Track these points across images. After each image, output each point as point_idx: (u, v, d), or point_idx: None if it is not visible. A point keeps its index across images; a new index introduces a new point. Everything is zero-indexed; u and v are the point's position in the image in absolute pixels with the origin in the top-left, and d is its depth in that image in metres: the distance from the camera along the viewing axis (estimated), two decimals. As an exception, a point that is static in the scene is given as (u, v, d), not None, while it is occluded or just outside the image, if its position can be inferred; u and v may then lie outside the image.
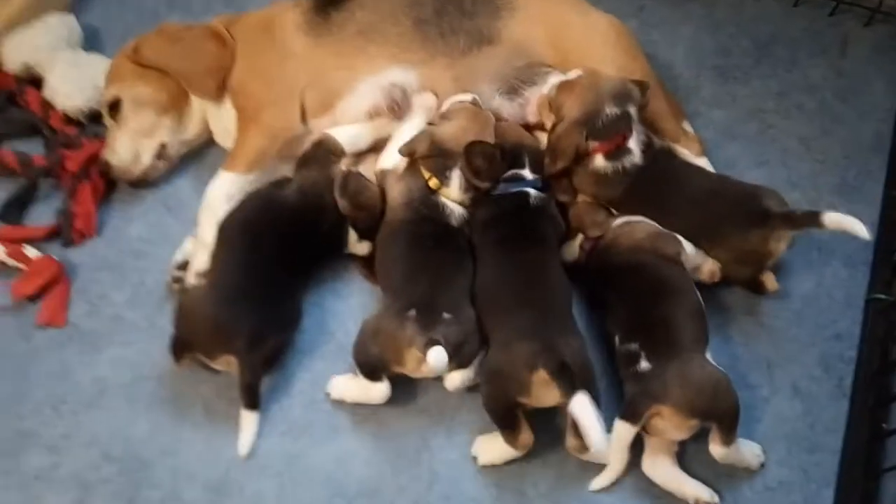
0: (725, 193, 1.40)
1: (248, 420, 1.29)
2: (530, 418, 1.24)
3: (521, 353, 1.19)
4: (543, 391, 1.19)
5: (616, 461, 1.23)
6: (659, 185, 1.41)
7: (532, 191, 1.41)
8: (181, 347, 1.30)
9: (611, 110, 1.39)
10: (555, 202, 1.45)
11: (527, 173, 1.43)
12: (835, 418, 1.35)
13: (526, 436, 1.23)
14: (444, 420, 1.35)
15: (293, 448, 1.32)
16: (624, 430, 1.20)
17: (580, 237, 1.44)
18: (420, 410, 1.35)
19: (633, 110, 1.41)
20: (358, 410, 1.35)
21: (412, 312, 1.24)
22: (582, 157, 1.40)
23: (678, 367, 1.19)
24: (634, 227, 1.38)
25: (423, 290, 1.27)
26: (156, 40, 1.55)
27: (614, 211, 1.44)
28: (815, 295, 1.48)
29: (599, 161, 1.40)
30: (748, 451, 1.27)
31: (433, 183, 1.39)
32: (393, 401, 1.32)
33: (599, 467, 1.26)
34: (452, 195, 1.40)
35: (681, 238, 1.36)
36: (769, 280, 1.39)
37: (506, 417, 1.22)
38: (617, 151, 1.39)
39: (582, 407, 1.14)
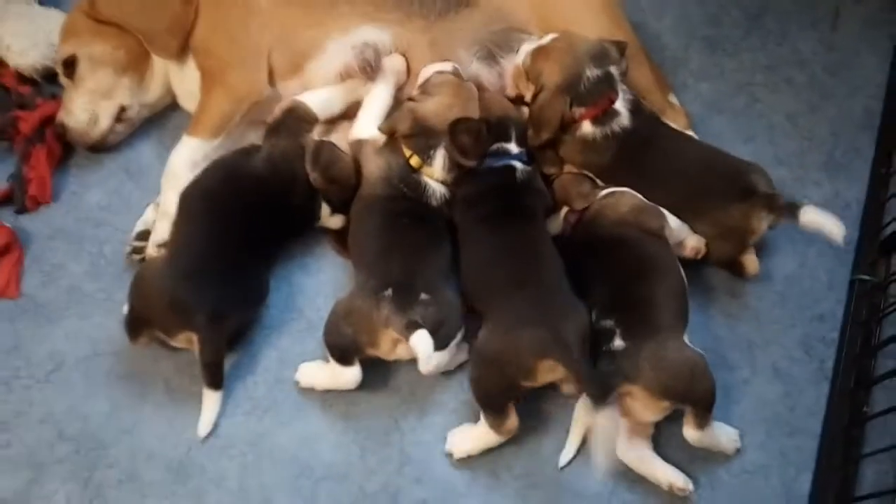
0: (712, 166, 1.35)
1: (211, 399, 1.24)
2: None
3: (527, 340, 1.15)
4: (548, 375, 1.16)
5: (574, 434, 1.23)
6: (646, 153, 1.36)
7: (518, 164, 1.36)
8: (137, 324, 1.23)
9: (592, 73, 1.33)
10: (540, 174, 1.40)
11: (512, 147, 1.37)
12: (815, 401, 1.33)
13: (511, 421, 1.19)
14: (416, 400, 1.30)
15: (258, 427, 1.27)
16: (587, 408, 1.17)
17: (565, 210, 1.38)
18: (391, 390, 1.31)
19: (614, 70, 1.36)
20: (327, 391, 1.30)
21: (388, 292, 1.19)
22: (568, 125, 1.34)
23: (653, 347, 1.16)
24: (619, 199, 1.33)
25: (399, 269, 1.22)
26: (114, -8, 1.45)
27: (599, 182, 1.39)
28: (798, 275, 1.44)
29: (587, 127, 1.35)
30: (724, 435, 1.24)
31: (415, 161, 1.33)
32: (363, 380, 1.26)
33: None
34: (436, 174, 1.33)
35: (665, 212, 1.31)
36: (750, 263, 1.35)
37: (498, 402, 1.19)
38: (604, 115, 1.34)
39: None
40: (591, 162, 1.38)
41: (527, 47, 1.38)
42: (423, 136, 1.32)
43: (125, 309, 1.25)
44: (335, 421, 1.29)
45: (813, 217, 1.25)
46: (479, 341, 1.22)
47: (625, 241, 1.27)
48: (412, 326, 1.15)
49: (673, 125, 1.46)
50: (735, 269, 1.36)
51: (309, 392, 1.30)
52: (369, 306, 1.19)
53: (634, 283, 1.23)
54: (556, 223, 1.39)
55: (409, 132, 1.33)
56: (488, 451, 1.24)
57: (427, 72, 1.42)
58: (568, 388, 1.20)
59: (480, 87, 1.44)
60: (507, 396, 1.18)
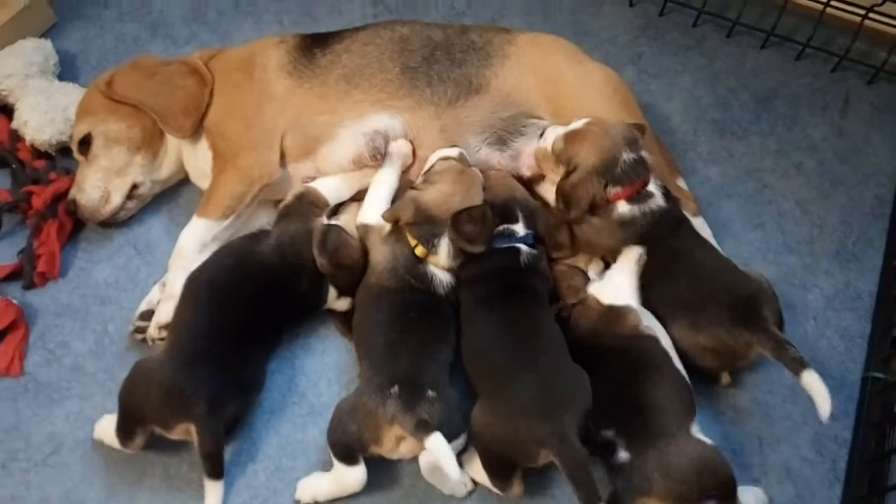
0: (727, 281, 1.31)
1: (213, 490, 1.21)
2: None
3: (529, 430, 1.14)
4: (549, 459, 1.14)
5: None
6: (670, 242, 1.35)
7: (524, 247, 1.35)
8: (130, 424, 1.20)
9: (628, 156, 1.33)
10: (546, 258, 1.39)
11: (519, 228, 1.36)
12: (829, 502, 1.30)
13: (516, 488, 1.20)
14: (416, 494, 1.28)
15: (258, 516, 1.25)
16: None
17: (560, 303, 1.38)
18: (392, 482, 1.28)
19: (646, 155, 1.36)
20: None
21: (394, 389, 1.18)
22: (599, 205, 1.34)
23: (657, 456, 1.14)
24: (589, 304, 1.31)
25: (406, 365, 1.21)
26: (130, 74, 1.47)
27: (592, 274, 1.38)
28: None
29: (623, 207, 1.34)
30: (751, 496, 1.22)
31: (420, 251, 1.32)
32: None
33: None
34: (441, 263, 1.33)
35: (634, 305, 1.29)
36: (725, 376, 1.34)
37: (500, 474, 1.19)
38: (639, 196, 1.34)
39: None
40: (624, 240, 1.36)
41: (555, 131, 1.38)
42: (426, 225, 1.32)
43: (104, 429, 1.24)
44: (336, 513, 1.26)
45: (811, 383, 1.19)
46: (478, 421, 1.20)
47: (608, 348, 1.26)
48: (423, 427, 1.14)
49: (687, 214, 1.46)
50: (710, 376, 1.34)
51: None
52: (375, 403, 1.18)
53: (628, 388, 1.21)
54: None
55: (413, 220, 1.33)
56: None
57: (432, 158, 1.43)
58: None
59: (485, 169, 1.45)
60: (508, 472, 1.18)
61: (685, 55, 1.83)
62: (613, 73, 1.56)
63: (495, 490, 1.22)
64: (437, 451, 1.12)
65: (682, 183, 1.58)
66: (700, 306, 1.28)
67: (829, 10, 1.77)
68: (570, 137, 1.35)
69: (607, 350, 1.26)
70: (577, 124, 1.36)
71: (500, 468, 1.19)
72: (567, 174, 1.35)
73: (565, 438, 1.12)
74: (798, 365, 1.19)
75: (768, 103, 1.76)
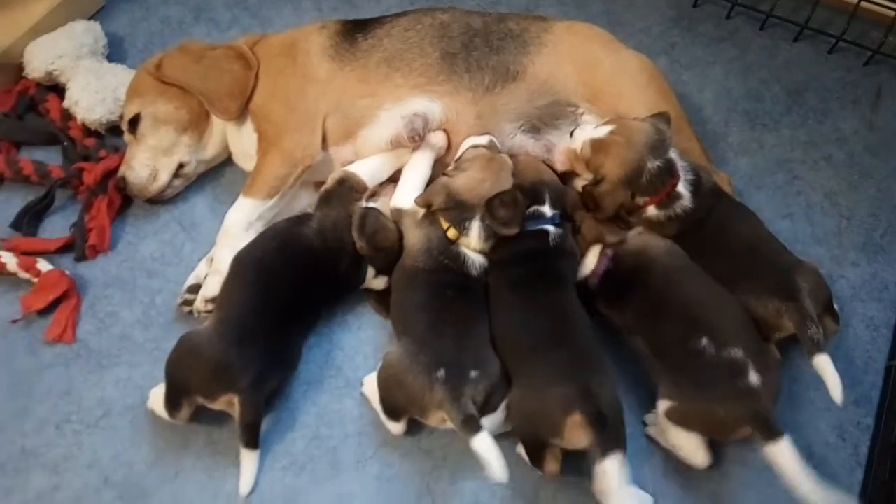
0: (762, 252, 1.36)
1: (249, 459, 1.27)
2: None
3: (556, 397, 1.18)
4: (575, 434, 1.18)
5: None
6: (703, 227, 1.38)
7: (552, 227, 1.39)
8: (176, 395, 1.26)
9: (653, 164, 1.35)
10: (571, 234, 1.43)
11: (546, 209, 1.40)
12: (849, 488, 1.33)
13: (551, 467, 1.23)
14: (447, 465, 1.33)
15: (294, 483, 1.31)
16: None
17: (597, 248, 1.41)
18: (424, 454, 1.33)
19: (673, 154, 1.38)
20: (361, 449, 1.34)
21: (441, 373, 1.22)
22: (629, 210, 1.38)
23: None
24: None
25: (449, 345, 1.26)
26: (179, 57, 1.53)
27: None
28: (833, 357, 1.40)
29: (652, 211, 1.38)
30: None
31: (452, 233, 1.37)
32: (397, 439, 1.30)
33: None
34: (472, 245, 1.37)
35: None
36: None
37: (536, 453, 1.23)
38: (668, 198, 1.37)
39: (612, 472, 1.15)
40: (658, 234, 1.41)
41: (583, 134, 1.41)
42: (457, 210, 1.37)
43: (157, 400, 1.30)
44: (369, 482, 1.31)
45: (823, 367, 1.22)
46: (512, 400, 1.25)
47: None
48: (470, 425, 1.18)
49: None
50: None
51: (344, 449, 1.34)
52: (422, 386, 1.22)
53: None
54: (588, 265, 1.41)
55: (444, 206, 1.37)
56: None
57: (464, 146, 1.47)
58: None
59: (514, 154, 1.49)
60: (542, 450, 1.21)
61: (718, 47, 1.85)
62: (648, 60, 1.59)
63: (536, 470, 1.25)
64: (483, 451, 1.16)
65: (714, 170, 1.61)
66: (734, 277, 1.31)
67: (863, 4, 1.79)
68: (596, 146, 1.38)
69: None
70: (601, 131, 1.38)
71: (532, 447, 1.23)
72: (595, 182, 1.38)
73: (592, 398, 1.17)
74: (814, 346, 1.23)
75: (800, 96, 1.78)
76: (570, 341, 1.25)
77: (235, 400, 1.23)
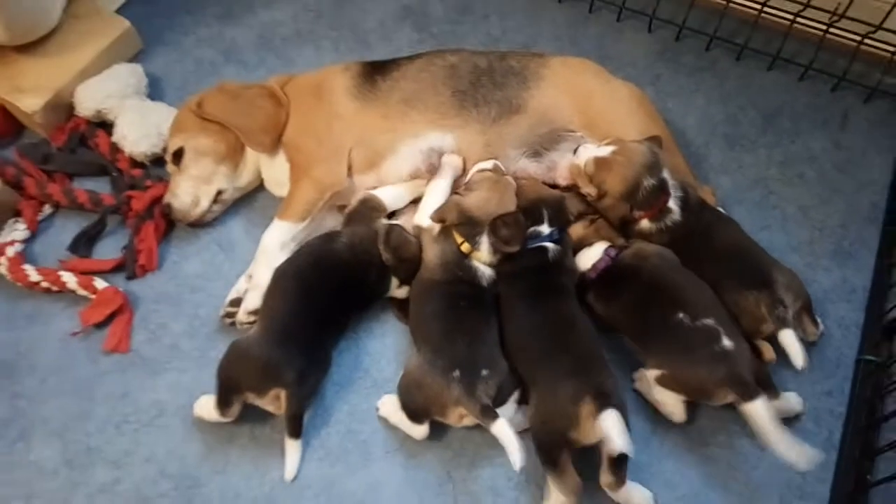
0: (743, 254, 1.54)
1: (293, 448, 1.43)
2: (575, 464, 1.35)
3: (566, 390, 1.33)
4: (590, 424, 1.31)
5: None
6: (692, 236, 1.56)
7: (550, 245, 1.54)
8: (228, 394, 1.41)
9: (648, 182, 1.53)
10: (571, 251, 1.59)
11: (544, 228, 1.55)
12: (824, 468, 1.48)
13: (572, 478, 1.33)
14: (466, 455, 1.48)
15: (330, 473, 1.46)
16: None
17: (603, 245, 1.57)
18: (445, 446, 1.49)
19: (666, 173, 1.55)
20: (388, 442, 1.49)
21: (456, 373, 1.37)
22: (627, 223, 1.57)
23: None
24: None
25: (462, 350, 1.40)
26: (217, 97, 1.70)
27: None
28: (809, 354, 1.59)
29: (645, 223, 1.56)
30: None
31: (465, 247, 1.52)
32: (420, 437, 1.46)
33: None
34: (483, 258, 1.53)
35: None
36: (766, 350, 1.50)
37: (553, 456, 1.33)
38: (660, 213, 1.55)
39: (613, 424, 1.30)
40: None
41: (587, 153, 1.57)
42: (468, 225, 1.52)
43: (202, 408, 1.46)
44: (396, 471, 1.47)
45: (787, 340, 1.42)
46: (530, 406, 1.40)
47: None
48: (488, 413, 1.34)
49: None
50: (754, 352, 1.50)
51: (374, 443, 1.49)
52: (440, 385, 1.38)
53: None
54: (590, 258, 1.57)
55: (456, 221, 1.53)
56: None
57: (472, 169, 1.64)
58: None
59: (518, 177, 1.65)
60: (560, 452, 1.32)
61: (699, 76, 2.03)
62: (637, 88, 1.77)
63: (560, 498, 1.36)
64: (502, 435, 1.32)
65: (696, 189, 1.78)
66: (720, 278, 1.48)
67: (828, 35, 1.97)
68: (600, 164, 1.55)
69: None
70: (605, 150, 1.55)
71: (550, 452, 1.33)
72: (599, 196, 1.56)
73: (600, 386, 1.32)
74: (779, 322, 1.41)
75: (774, 119, 1.96)
76: (575, 345, 1.41)
77: (282, 394, 1.39)
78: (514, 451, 1.30)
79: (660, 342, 1.44)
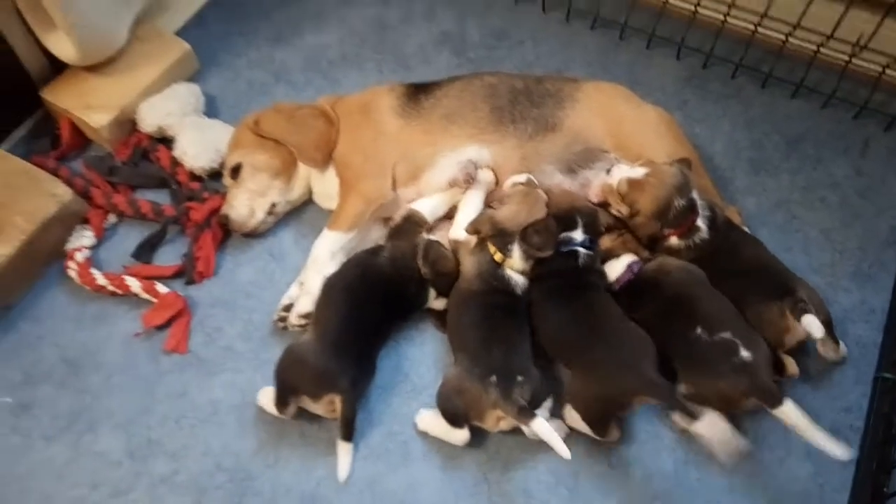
0: (766, 268, 1.62)
1: (345, 449, 1.53)
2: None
3: (622, 385, 1.47)
4: (640, 404, 1.48)
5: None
6: (718, 253, 1.64)
7: (581, 250, 1.63)
8: (285, 395, 1.52)
9: (679, 203, 1.62)
10: (600, 258, 1.68)
11: (577, 235, 1.64)
12: (842, 480, 1.55)
13: (615, 432, 1.53)
14: (500, 458, 1.57)
15: (373, 471, 1.56)
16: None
17: (628, 259, 1.66)
18: (481, 449, 1.58)
19: (695, 194, 1.65)
20: (427, 443, 1.58)
21: (493, 378, 1.47)
22: (657, 239, 1.67)
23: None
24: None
25: (498, 358, 1.50)
26: (273, 116, 1.82)
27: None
28: (829, 371, 1.68)
29: (674, 240, 1.65)
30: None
31: (498, 257, 1.62)
32: (455, 439, 1.55)
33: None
34: (516, 266, 1.62)
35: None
36: (789, 364, 1.57)
37: (600, 423, 1.51)
38: (688, 231, 1.64)
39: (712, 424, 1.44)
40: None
41: (621, 173, 1.65)
42: (501, 236, 1.62)
43: (264, 398, 1.56)
44: (434, 471, 1.56)
45: (809, 322, 1.48)
46: (574, 388, 1.52)
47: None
48: (525, 413, 1.43)
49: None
50: (777, 367, 1.57)
51: (413, 444, 1.58)
52: (478, 390, 1.47)
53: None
54: (614, 271, 1.66)
55: (490, 233, 1.64)
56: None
57: (507, 182, 1.74)
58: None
59: (550, 189, 1.74)
60: (606, 422, 1.50)
61: (725, 103, 2.12)
62: (666, 113, 1.85)
63: (596, 437, 1.52)
64: (542, 431, 1.42)
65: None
66: (744, 292, 1.56)
67: (851, 65, 2.06)
68: (633, 185, 1.64)
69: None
70: (638, 172, 1.64)
71: (599, 420, 1.50)
72: (631, 215, 1.66)
73: (650, 379, 1.43)
74: (803, 310, 1.49)
75: (797, 145, 2.04)
76: (611, 335, 1.52)
77: (337, 399, 1.49)
78: (558, 444, 1.40)
79: (683, 357, 1.52)
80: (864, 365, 1.70)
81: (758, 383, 1.44)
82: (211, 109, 2.07)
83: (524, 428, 1.50)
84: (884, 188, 1.96)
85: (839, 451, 1.36)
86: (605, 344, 1.51)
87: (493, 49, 2.24)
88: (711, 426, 1.42)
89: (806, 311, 1.49)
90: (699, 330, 1.49)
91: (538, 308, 1.62)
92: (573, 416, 1.53)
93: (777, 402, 1.41)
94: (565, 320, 1.57)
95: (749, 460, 1.56)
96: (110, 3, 1.89)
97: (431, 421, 1.57)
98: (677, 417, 1.56)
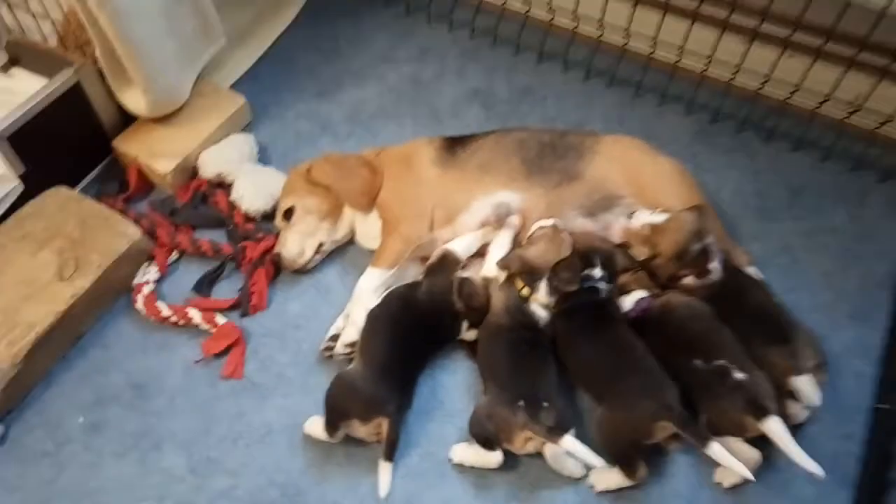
0: (769, 314, 1.77)
1: (386, 469, 1.67)
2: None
3: (644, 410, 1.58)
4: (662, 433, 1.58)
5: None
6: (727, 295, 1.80)
7: (602, 285, 1.80)
8: (336, 419, 1.67)
9: (695, 247, 1.78)
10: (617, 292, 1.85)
11: (596, 272, 1.80)
12: (842, 502, 1.68)
13: (642, 469, 1.61)
14: (528, 477, 1.72)
15: (411, 489, 1.70)
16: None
17: (639, 295, 1.83)
18: (511, 469, 1.71)
19: (710, 239, 1.81)
20: (461, 464, 1.73)
21: (521, 403, 1.62)
22: (674, 279, 1.83)
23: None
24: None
25: (525, 386, 1.65)
26: (324, 165, 2.03)
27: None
28: (831, 401, 1.80)
29: (689, 280, 1.82)
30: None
31: (525, 292, 1.79)
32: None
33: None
34: (541, 300, 1.79)
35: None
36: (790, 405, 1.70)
37: (627, 458, 1.60)
38: (703, 273, 1.80)
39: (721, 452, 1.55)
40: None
41: (643, 218, 1.82)
42: (529, 274, 1.80)
43: (311, 427, 1.71)
44: (468, 489, 1.70)
45: (802, 385, 1.66)
46: (601, 420, 1.65)
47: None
48: (555, 431, 1.58)
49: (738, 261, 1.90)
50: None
51: (448, 466, 1.72)
52: (508, 413, 1.62)
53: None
54: (625, 305, 1.82)
55: (519, 270, 1.82)
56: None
57: (534, 226, 1.92)
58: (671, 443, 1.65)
59: (573, 231, 1.91)
60: (633, 456, 1.59)
61: (732, 155, 2.29)
62: (679, 164, 2.03)
63: (626, 482, 1.61)
64: (572, 446, 1.57)
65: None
66: (749, 336, 1.71)
67: (848, 122, 2.24)
68: (655, 229, 1.81)
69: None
70: (659, 218, 1.81)
71: (625, 454, 1.59)
72: (651, 257, 1.83)
73: (671, 406, 1.58)
74: (797, 370, 1.64)
75: (799, 195, 2.19)
76: (638, 366, 1.67)
77: (384, 422, 1.64)
78: (589, 456, 1.56)
79: (686, 387, 1.66)
80: (862, 396, 1.83)
81: (751, 398, 1.58)
82: (263, 157, 2.27)
83: (548, 452, 1.65)
84: (879, 235, 2.12)
85: (813, 467, 1.53)
86: (629, 374, 1.66)
87: (518, 104, 2.45)
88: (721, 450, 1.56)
89: (800, 373, 1.66)
90: (697, 361, 1.66)
91: (568, 343, 1.78)
92: (601, 478, 1.66)
93: (764, 414, 1.56)
94: (593, 353, 1.72)
95: (758, 483, 1.70)
96: (178, 64, 2.12)
97: (464, 452, 1.71)
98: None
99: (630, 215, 1.88)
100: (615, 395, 1.66)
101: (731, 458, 1.55)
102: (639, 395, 1.62)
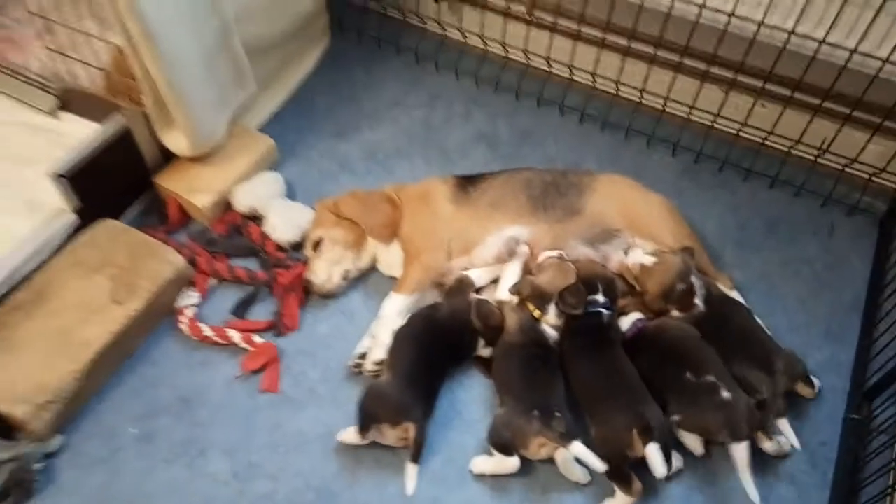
0: (752, 339, 1.99)
1: (412, 470, 1.86)
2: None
3: (621, 420, 1.78)
4: (640, 445, 1.72)
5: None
6: (711, 323, 2.02)
7: (604, 311, 2.02)
8: (367, 421, 1.85)
9: (680, 286, 2.01)
10: (617, 316, 2.07)
11: (599, 297, 2.02)
12: (819, 501, 1.89)
13: (636, 484, 1.76)
14: (539, 480, 1.91)
15: (435, 492, 1.88)
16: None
17: (634, 317, 2.05)
18: (525, 473, 1.89)
19: (694, 278, 2.03)
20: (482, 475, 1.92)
21: (535, 412, 1.81)
22: (662, 312, 2.06)
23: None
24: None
25: (538, 397, 1.85)
26: (350, 200, 2.24)
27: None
28: (807, 411, 2.03)
29: (675, 313, 2.04)
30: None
31: (536, 314, 2.01)
32: (504, 464, 1.89)
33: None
34: (550, 321, 2.01)
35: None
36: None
37: (618, 471, 1.75)
38: (687, 307, 2.03)
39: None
40: None
41: (636, 257, 2.05)
42: (539, 298, 2.02)
43: (344, 436, 1.87)
44: (486, 490, 1.88)
45: (784, 427, 1.90)
46: (594, 435, 1.85)
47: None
48: (565, 437, 1.78)
49: (721, 285, 2.13)
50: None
51: (468, 471, 1.90)
52: (523, 422, 1.81)
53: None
54: (622, 325, 2.02)
55: (530, 294, 2.04)
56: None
57: (541, 256, 2.15)
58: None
59: (578, 260, 2.12)
60: (623, 467, 1.74)
61: (714, 192, 2.54)
62: (667, 200, 2.27)
63: (627, 499, 1.77)
64: (580, 451, 1.77)
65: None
66: (731, 358, 1.94)
67: (817, 162, 2.50)
68: (644, 270, 2.05)
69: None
70: (649, 260, 2.05)
71: (616, 468, 1.74)
72: (642, 294, 2.06)
73: (641, 414, 1.77)
74: (778, 413, 1.88)
75: (775, 228, 2.44)
76: (625, 385, 1.87)
77: (411, 427, 1.83)
78: (594, 461, 1.76)
79: (674, 395, 1.88)
80: (835, 408, 2.05)
81: (731, 419, 1.80)
82: (290, 193, 2.48)
83: (559, 458, 1.84)
84: (848, 264, 2.36)
85: (754, 495, 1.77)
86: (614, 395, 1.86)
87: (520, 146, 2.69)
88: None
89: (781, 415, 1.90)
90: (688, 374, 1.87)
91: (569, 358, 1.99)
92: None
93: (737, 438, 1.79)
94: (590, 375, 1.93)
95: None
96: (215, 108, 2.34)
97: (483, 463, 1.89)
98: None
99: (626, 251, 2.12)
100: (599, 413, 1.86)
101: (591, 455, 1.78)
102: (616, 411, 1.81)
